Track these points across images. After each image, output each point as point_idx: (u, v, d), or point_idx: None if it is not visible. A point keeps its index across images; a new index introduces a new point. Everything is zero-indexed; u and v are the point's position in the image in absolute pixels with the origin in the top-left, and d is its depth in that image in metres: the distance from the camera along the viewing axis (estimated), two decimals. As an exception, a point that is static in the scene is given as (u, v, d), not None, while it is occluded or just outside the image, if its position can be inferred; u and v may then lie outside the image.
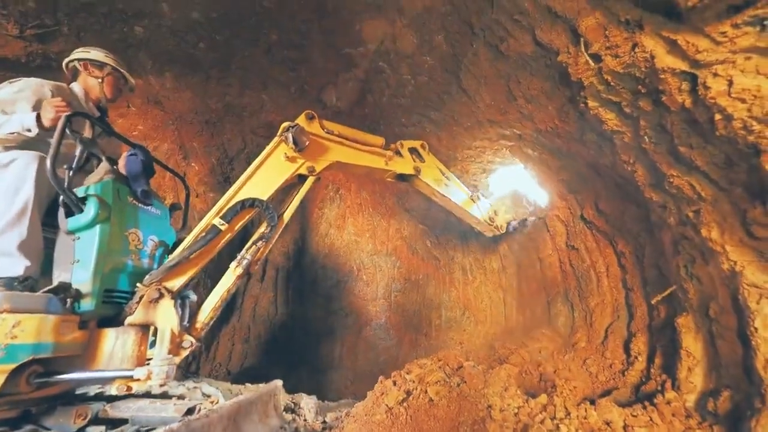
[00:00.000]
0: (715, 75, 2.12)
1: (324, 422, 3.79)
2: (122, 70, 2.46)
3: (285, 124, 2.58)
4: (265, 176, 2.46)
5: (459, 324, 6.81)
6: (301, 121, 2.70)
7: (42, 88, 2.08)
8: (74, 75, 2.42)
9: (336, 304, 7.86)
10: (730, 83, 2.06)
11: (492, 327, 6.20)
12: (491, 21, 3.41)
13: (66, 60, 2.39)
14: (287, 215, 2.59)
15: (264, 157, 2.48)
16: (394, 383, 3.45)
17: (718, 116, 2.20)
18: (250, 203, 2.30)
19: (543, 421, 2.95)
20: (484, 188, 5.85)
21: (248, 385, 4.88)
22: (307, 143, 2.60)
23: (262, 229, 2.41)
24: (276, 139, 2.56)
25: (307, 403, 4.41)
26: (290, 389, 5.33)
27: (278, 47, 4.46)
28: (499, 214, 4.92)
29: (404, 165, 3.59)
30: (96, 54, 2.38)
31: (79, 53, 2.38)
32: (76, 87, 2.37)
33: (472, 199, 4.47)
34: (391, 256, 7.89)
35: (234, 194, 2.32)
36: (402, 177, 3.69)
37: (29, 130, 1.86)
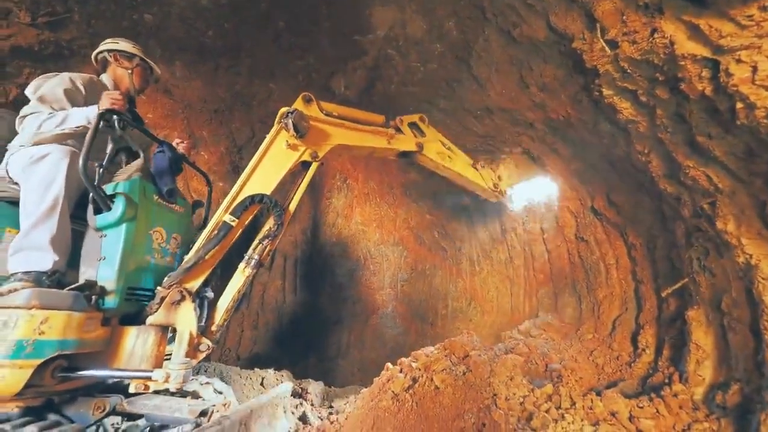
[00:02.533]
0: (739, 61, 2.04)
1: (331, 407, 3.89)
2: (149, 61, 2.48)
3: (283, 110, 2.49)
4: (268, 167, 2.40)
5: (465, 314, 6.84)
6: (298, 105, 2.61)
7: (75, 82, 2.11)
8: (103, 66, 2.44)
9: (343, 293, 7.94)
10: (755, 70, 1.99)
11: (498, 317, 6.22)
12: (504, 5, 3.32)
13: (95, 51, 2.40)
14: (293, 205, 2.54)
15: (265, 148, 2.42)
16: (401, 370, 3.50)
17: (739, 104, 2.12)
18: (259, 199, 2.29)
19: (548, 410, 2.97)
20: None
21: (257, 369, 5.00)
22: (308, 128, 2.52)
23: (268, 226, 2.38)
24: (275, 127, 2.47)
25: (315, 388, 4.52)
26: (298, 375, 5.45)
27: (286, 34, 4.42)
28: (503, 178, 4.87)
29: (406, 142, 3.48)
30: (125, 45, 2.40)
31: (108, 44, 2.39)
32: (106, 78, 2.39)
33: (475, 168, 4.42)
34: (398, 245, 7.91)
35: (240, 189, 2.30)
36: (405, 154, 3.57)
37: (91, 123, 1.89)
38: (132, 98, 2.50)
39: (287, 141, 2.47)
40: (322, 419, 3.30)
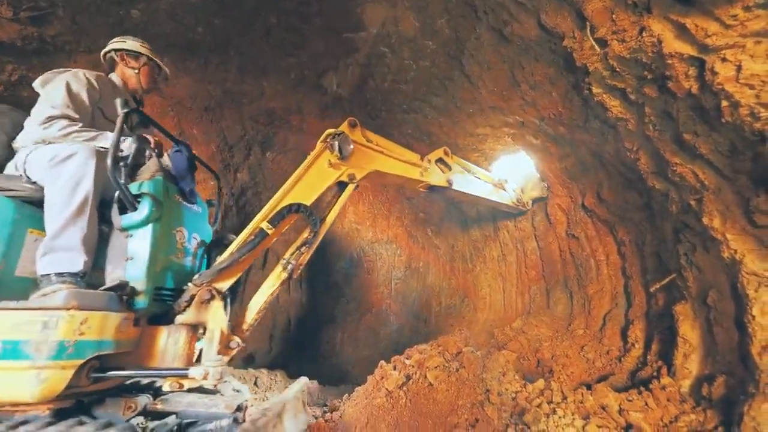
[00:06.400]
0: (724, 60, 2.08)
1: (325, 406, 3.88)
2: (157, 60, 2.47)
3: (329, 131, 2.65)
4: (309, 182, 2.55)
5: (459, 311, 6.88)
6: (344, 128, 2.77)
7: (91, 80, 2.12)
8: (111, 66, 2.43)
9: (337, 292, 7.94)
10: (739, 68, 2.02)
11: (491, 314, 6.27)
12: (495, 4, 3.33)
13: (103, 51, 2.40)
14: (329, 220, 2.68)
15: (309, 164, 2.56)
16: (395, 368, 3.51)
17: (724, 103, 2.16)
18: (296, 208, 2.36)
19: (540, 405, 3.01)
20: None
21: (250, 369, 4.98)
22: (351, 151, 2.68)
23: (305, 234, 2.49)
24: (320, 146, 2.62)
25: (309, 387, 4.51)
26: (292, 374, 5.44)
27: (277, 31, 4.37)
28: (525, 191, 5.03)
29: (438, 177, 3.70)
30: (132, 44, 2.39)
31: (115, 43, 2.39)
32: (114, 77, 2.39)
33: (498, 187, 4.58)
34: (391, 244, 7.93)
35: (281, 199, 2.39)
36: (434, 188, 3.77)
37: (122, 151, 1.88)
38: (139, 99, 2.49)
39: (330, 160, 2.62)
40: (316, 418, 3.30)
